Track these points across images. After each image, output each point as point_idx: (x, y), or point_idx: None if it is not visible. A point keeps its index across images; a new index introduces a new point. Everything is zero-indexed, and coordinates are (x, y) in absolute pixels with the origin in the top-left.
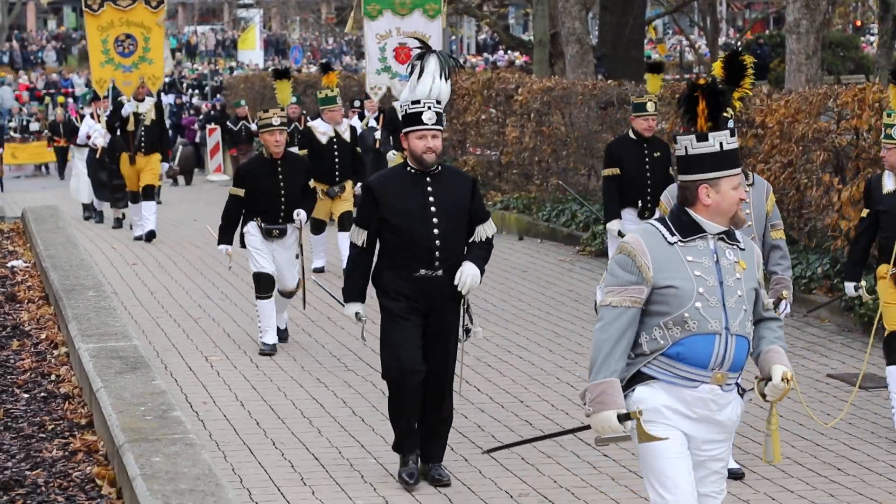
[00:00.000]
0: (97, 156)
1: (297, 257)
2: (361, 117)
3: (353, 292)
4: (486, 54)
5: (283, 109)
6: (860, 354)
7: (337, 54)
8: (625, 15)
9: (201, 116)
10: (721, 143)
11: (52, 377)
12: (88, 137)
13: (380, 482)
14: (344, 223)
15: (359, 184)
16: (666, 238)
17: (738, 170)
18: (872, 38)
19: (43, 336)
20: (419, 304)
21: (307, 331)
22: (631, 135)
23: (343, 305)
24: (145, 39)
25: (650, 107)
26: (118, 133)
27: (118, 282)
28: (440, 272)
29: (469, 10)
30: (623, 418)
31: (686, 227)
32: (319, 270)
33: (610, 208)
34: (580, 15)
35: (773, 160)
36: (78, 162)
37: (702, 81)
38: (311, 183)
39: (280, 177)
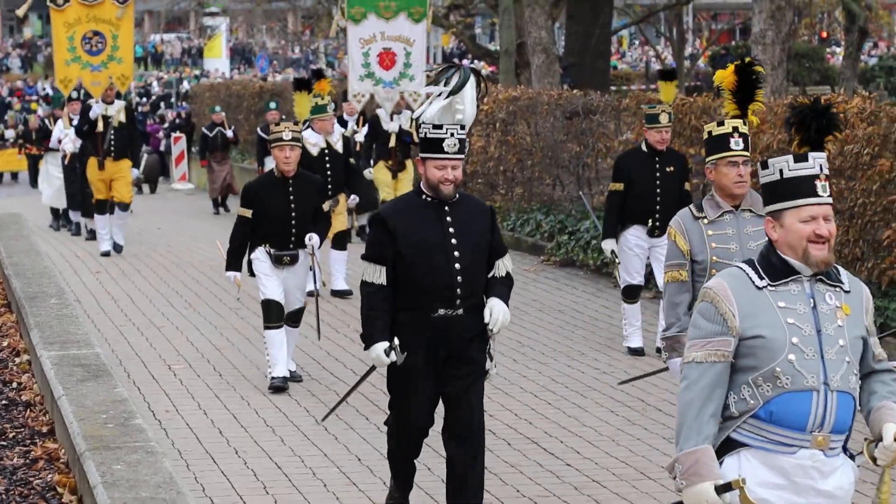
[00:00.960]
0: (66, 162)
1: (309, 268)
2: (343, 124)
3: (376, 332)
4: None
5: (296, 123)
6: None
7: (303, 63)
8: (591, 25)
9: (166, 125)
10: (821, 166)
11: (14, 385)
12: (60, 142)
13: (342, 491)
14: (339, 241)
15: (353, 197)
16: (754, 282)
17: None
18: (838, 49)
19: (5, 343)
20: (438, 349)
21: None
22: (643, 147)
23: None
24: (114, 37)
25: (664, 118)
26: (86, 138)
27: (81, 290)
28: (460, 311)
29: (436, 20)
30: (721, 489)
31: (776, 269)
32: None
33: (606, 226)
34: (546, 25)
35: None
36: (51, 167)
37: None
38: (325, 205)
39: (291, 197)
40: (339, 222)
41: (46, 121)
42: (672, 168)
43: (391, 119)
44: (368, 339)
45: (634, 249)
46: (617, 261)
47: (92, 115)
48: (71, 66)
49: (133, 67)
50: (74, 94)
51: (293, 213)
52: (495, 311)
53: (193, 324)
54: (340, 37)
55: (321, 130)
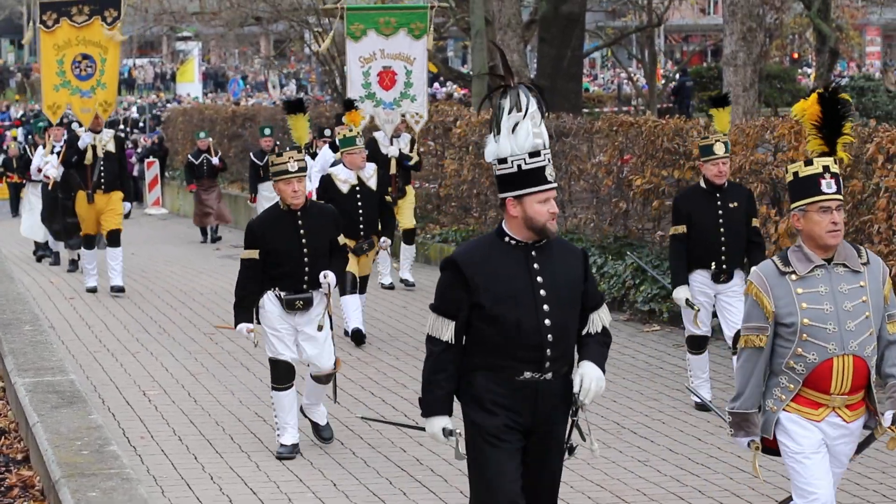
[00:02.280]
0: (49, 188)
1: (320, 329)
2: (334, 148)
3: (437, 402)
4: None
5: (300, 150)
6: None
7: (276, 86)
8: (563, 48)
9: (139, 150)
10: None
11: None
12: (40, 171)
13: None
14: (362, 286)
15: (384, 239)
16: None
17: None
18: (809, 71)
19: None
20: (521, 419)
21: (245, 364)
22: (702, 184)
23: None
24: (102, 61)
25: (719, 149)
26: (74, 168)
27: (55, 316)
28: (549, 375)
29: None
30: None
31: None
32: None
33: (675, 273)
34: (518, 48)
35: None
36: (32, 197)
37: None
38: (341, 238)
39: (301, 231)
40: (365, 266)
41: (28, 148)
42: (736, 203)
43: (391, 143)
44: (427, 409)
45: (699, 298)
46: (696, 308)
47: (81, 144)
48: (60, 92)
49: (116, 94)
50: (65, 121)
51: (305, 250)
52: (587, 378)
53: (168, 349)
54: (313, 60)
55: (351, 165)
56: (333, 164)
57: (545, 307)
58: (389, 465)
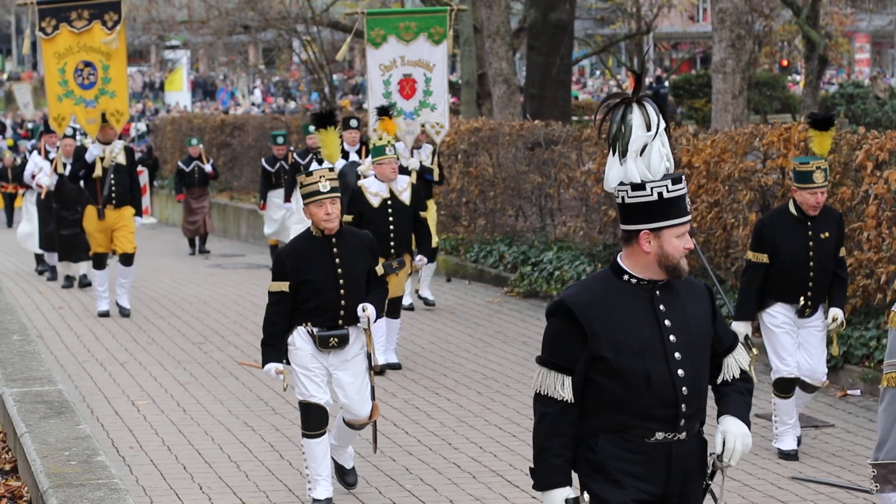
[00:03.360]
0: (42, 197)
1: (368, 370)
2: (344, 155)
3: (555, 472)
4: None
5: (332, 170)
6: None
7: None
8: (552, 55)
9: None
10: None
11: None
12: (34, 177)
13: None
14: (394, 309)
15: (420, 257)
16: None
17: None
18: (798, 78)
19: None
20: (653, 488)
21: (234, 374)
22: (791, 209)
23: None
24: (104, 68)
25: (819, 177)
26: (83, 183)
27: (44, 326)
28: (683, 434)
29: None
30: None
31: None
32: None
33: (742, 305)
34: (507, 56)
35: (699, 200)
36: (29, 206)
37: None
38: (379, 268)
39: (337, 261)
40: (397, 286)
41: (25, 155)
42: (827, 234)
43: (411, 154)
44: (543, 481)
45: (784, 326)
46: (754, 351)
47: (88, 157)
48: (64, 102)
49: (128, 103)
50: (69, 131)
51: (341, 281)
52: (731, 435)
53: (157, 359)
54: (301, 69)
55: (382, 177)
56: (341, 173)
57: (676, 355)
58: (379, 474)
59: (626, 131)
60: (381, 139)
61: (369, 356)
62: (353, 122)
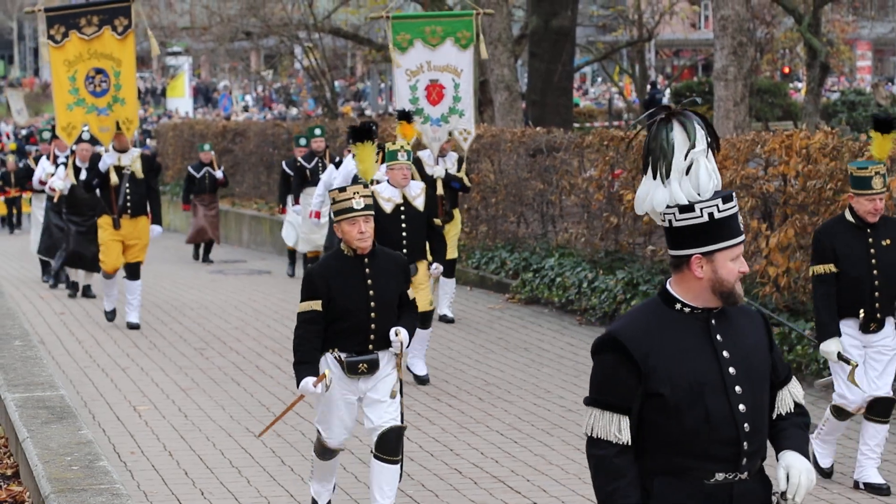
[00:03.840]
0: (55, 200)
1: (395, 396)
2: (337, 165)
3: None
4: None
5: (366, 186)
6: None
7: (265, 104)
8: (553, 62)
9: None
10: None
11: None
12: (42, 183)
13: None
14: (424, 319)
15: (435, 265)
16: None
17: None
18: (800, 85)
19: None
20: None
21: (236, 380)
22: (848, 216)
23: None
24: (115, 74)
25: (878, 182)
26: (97, 191)
27: (46, 331)
28: (745, 474)
29: None
30: None
31: None
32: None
33: (823, 323)
34: (509, 62)
35: None
36: (37, 211)
37: None
38: (411, 292)
39: (369, 282)
40: (423, 298)
41: (28, 162)
42: (889, 241)
43: (437, 162)
44: None
45: (851, 352)
46: (854, 363)
47: (102, 166)
48: (74, 111)
49: (137, 110)
50: (86, 136)
51: (372, 304)
52: (795, 471)
53: (158, 365)
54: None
55: (394, 182)
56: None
57: (737, 389)
58: None
59: (669, 150)
60: (394, 143)
61: (401, 382)
62: (397, 130)
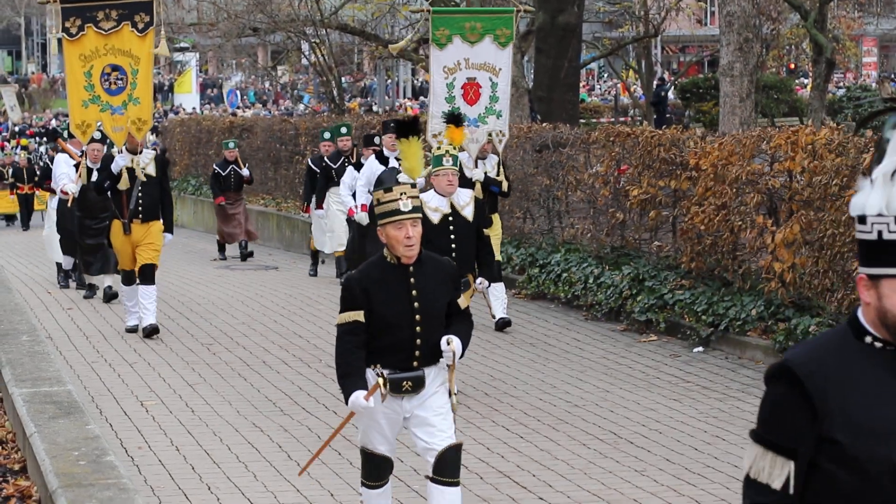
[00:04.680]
0: (69, 204)
1: (454, 410)
2: (383, 160)
3: None
4: (422, 98)
5: (414, 186)
6: None
7: (275, 99)
8: (560, 58)
9: None
10: None
11: None
12: (64, 193)
13: None
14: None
15: (480, 280)
16: None
17: None
18: (806, 81)
19: None
20: None
21: (242, 375)
22: None
23: None
24: (133, 72)
25: None
26: (108, 193)
27: (53, 326)
28: None
29: (405, 54)
30: None
31: None
32: None
33: None
34: (515, 58)
35: (707, 202)
36: (52, 211)
37: None
38: (463, 300)
39: (414, 293)
40: None
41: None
42: None
43: (475, 165)
44: None
45: None
46: None
47: (114, 167)
48: (89, 108)
49: (151, 111)
50: (97, 135)
51: (417, 316)
52: None
53: (165, 360)
54: (310, 71)
55: (439, 190)
56: (378, 180)
57: None
58: None
59: (885, 146)
60: (438, 148)
61: (451, 395)
62: (393, 126)
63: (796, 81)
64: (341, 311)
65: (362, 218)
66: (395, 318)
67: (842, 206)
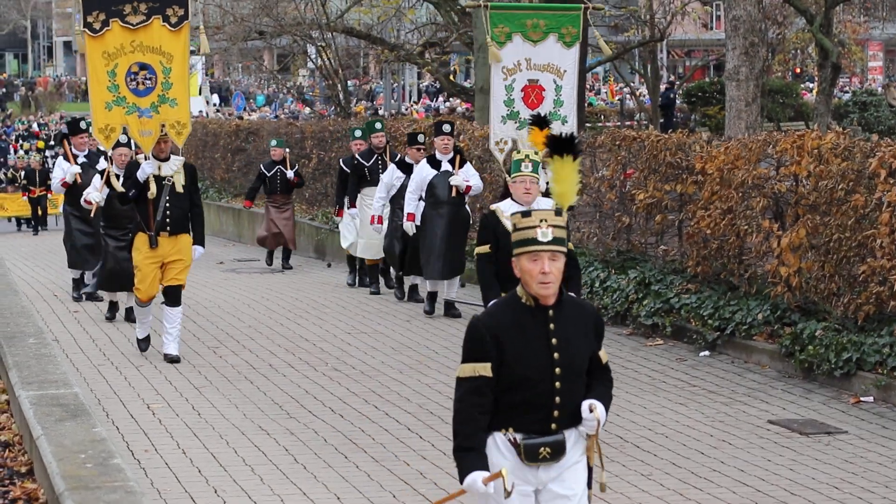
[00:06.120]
0: (92, 213)
1: (603, 489)
2: (405, 168)
3: None
4: (427, 101)
5: (559, 213)
6: (801, 400)
7: (282, 102)
8: None
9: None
10: None
11: None
12: (66, 185)
13: None
14: None
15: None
16: None
17: None
18: (812, 85)
19: None
20: None
21: (249, 378)
22: None
23: None
24: (165, 71)
25: None
26: (135, 203)
27: (59, 329)
28: None
29: (411, 58)
30: None
31: None
32: None
33: None
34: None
35: (712, 206)
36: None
37: None
38: (604, 353)
39: (553, 341)
40: None
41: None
42: None
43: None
44: None
45: None
46: None
47: (141, 175)
48: (113, 111)
49: (190, 113)
50: (124, 139)
51: (557, 370)
52: None
53: (172, 363)
54: (316, 75)
55: (517, 198)
56: (430, 185)
57: None
58: (393, 478)
59: None
60: (518, 152)
61: (590, 468)
62: (447, 127)
63: (802, 86)
64: (464, 361)
65: (409, 228)
66: (532, 371)
67: (847, 211)
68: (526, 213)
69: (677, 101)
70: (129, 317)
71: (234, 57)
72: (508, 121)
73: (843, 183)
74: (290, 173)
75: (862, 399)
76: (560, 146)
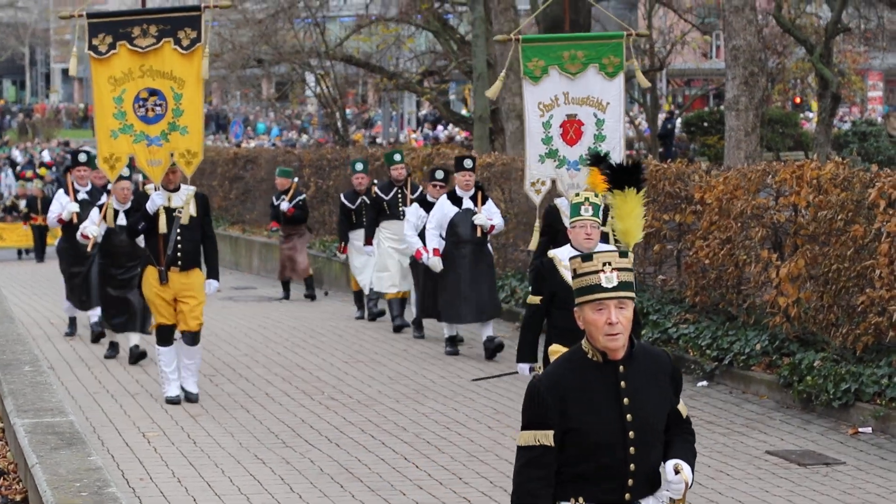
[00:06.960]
0: (89, 248)
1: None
2: (425, 206)
3: None
4: (426, 129)
5: (624, 254)
6: (799, 431)
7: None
8: None
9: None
10: None
11: None
12: (61, 222)
13: None
14: None
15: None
16: None
17: None
18: (811, 115)
19: None
20: None
21: (245, 406)
22: None
23: None
24: (176, 97)
25: None
26: (145, 237)
27: (55, 357)
28: None
29: (410, 86)
30: None
31: None
32: None
33: None
34: (520, 91)
35: (711, 236)
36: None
37: None
38: (683, 407)
39: (625, 401)
40: None
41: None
42: None
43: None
44: None
45: None
46: None
47: (151, 207)
48: (120, 139)
49: (202, 142)
50: (126, 172)
51: (631, 433)
52: None
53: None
54: (314, 104)
55: (576, 244)
56: (451, 223)
57: None
58: None
59: None
60: (577, 196)
61: None
62: (468, 163)
63: (802, 115)
64: (524, 428)
65: (434, 264)
66: (602, 436)
67: (846, 241)
68: (587, 257)
69: (676, 131)
70: (134, 355)
71: (232, 84)
72: (547, 160)
73: (842, 213)
74: (284, 205)
75: (860, 430)
76: (622, 178)
